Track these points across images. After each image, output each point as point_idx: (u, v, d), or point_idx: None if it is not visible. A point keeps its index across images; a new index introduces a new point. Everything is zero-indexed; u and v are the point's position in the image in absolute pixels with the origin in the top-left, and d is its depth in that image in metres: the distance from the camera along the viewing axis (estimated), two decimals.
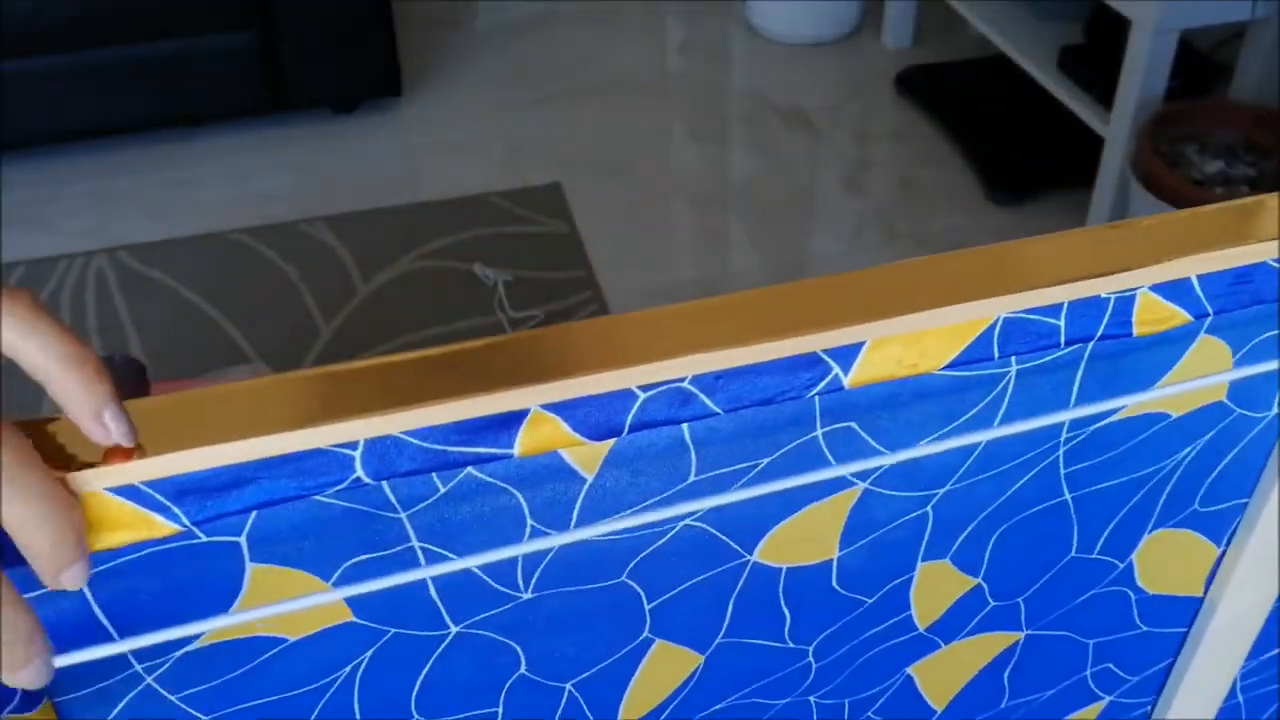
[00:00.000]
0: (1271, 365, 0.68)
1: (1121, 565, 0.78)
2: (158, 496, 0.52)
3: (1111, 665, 0.84)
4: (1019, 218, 2.59)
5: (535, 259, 2.51)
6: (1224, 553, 0.79)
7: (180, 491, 0.52)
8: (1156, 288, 0.62)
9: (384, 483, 0.55)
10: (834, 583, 0.70)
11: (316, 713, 0.65)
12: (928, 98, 2.93)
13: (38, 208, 2.69)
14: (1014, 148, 2.72)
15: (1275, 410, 0.72)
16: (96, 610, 0.56)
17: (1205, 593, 0.81)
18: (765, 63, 3.18)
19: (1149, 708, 0.89)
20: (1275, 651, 0.87)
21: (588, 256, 2.51)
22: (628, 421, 0.57)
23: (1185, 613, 0.82)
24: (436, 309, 2.39)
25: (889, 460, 0.62)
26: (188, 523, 0.53)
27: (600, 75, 3.14)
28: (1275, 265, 0.64)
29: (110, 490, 0.52)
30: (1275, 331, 0.68)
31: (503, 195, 2.69)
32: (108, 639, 0.57)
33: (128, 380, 1.93)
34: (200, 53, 2.71)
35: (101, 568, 0.54)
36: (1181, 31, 2.22)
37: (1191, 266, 0.62)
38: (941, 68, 3.05)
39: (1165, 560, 0.79)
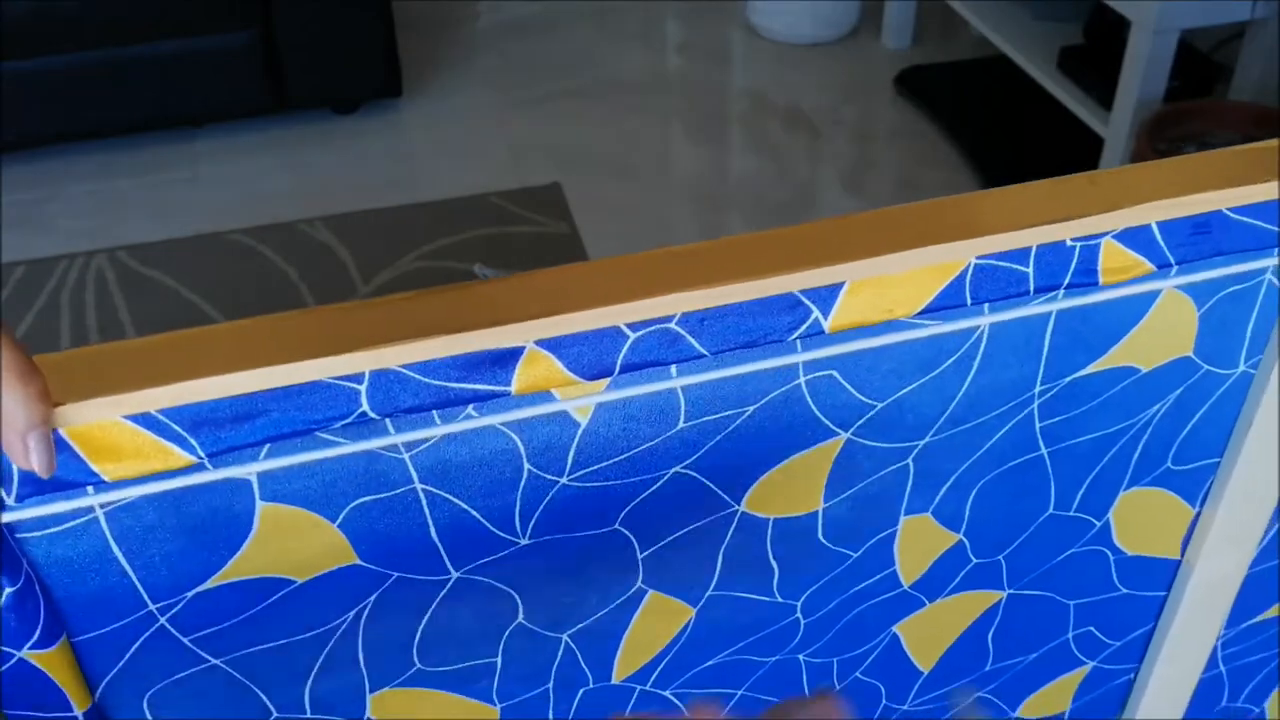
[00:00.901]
0: None
1: (1099, 524, 0.78)
2: (173, 426, 0.54)
3: (1093, 629, 0.85)
4: None
5: (535, 259, 2.51)
6: (1199, 514, 0.80)
7: (194, 422, 0.55)
8: (1119, 236, 0.64)
9: (387, 420, 0.57)
10: (820, 535, 0.72)
11: (320, 661, 0.66)
12: (927, 98, 2.94)
13: (38, 208, 2.70)
14: (1013, 148, 2.73)
15: (1243, 368, 0.73)
16: (114, 547, 0.58)
17: (1183, 555, 0.82)
18: (765, 63, 3.19)
19: (1131, 675, 0.89)
20: (1256, 619, 0.88)
21: (587, 256, 2.51)
22: (619, 361, 0.59)
23: (1164, 575, 0.83)
24: None
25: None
26: (201, 454, 0.55)
27: (600, 75, 3.15)
28: (1231, 214, 0.65)
29: (127, 418, 0.54)
30: (1238, 286, 0.69)
31: (503, 195, 2.69)
32: (124, 577, 0.59)
33: None
34: (201, 53, 2.72)
35: (118, 503, 0.56)
36: (1181, 32, 2.23)
37: (1150, 214, 0.64)
38: (941, 68, 3.06)
39: (1142, 520, 0.79)
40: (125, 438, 0.54)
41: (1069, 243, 0.63)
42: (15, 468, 0.53)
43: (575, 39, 3.30)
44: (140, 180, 2.77)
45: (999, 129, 2.80)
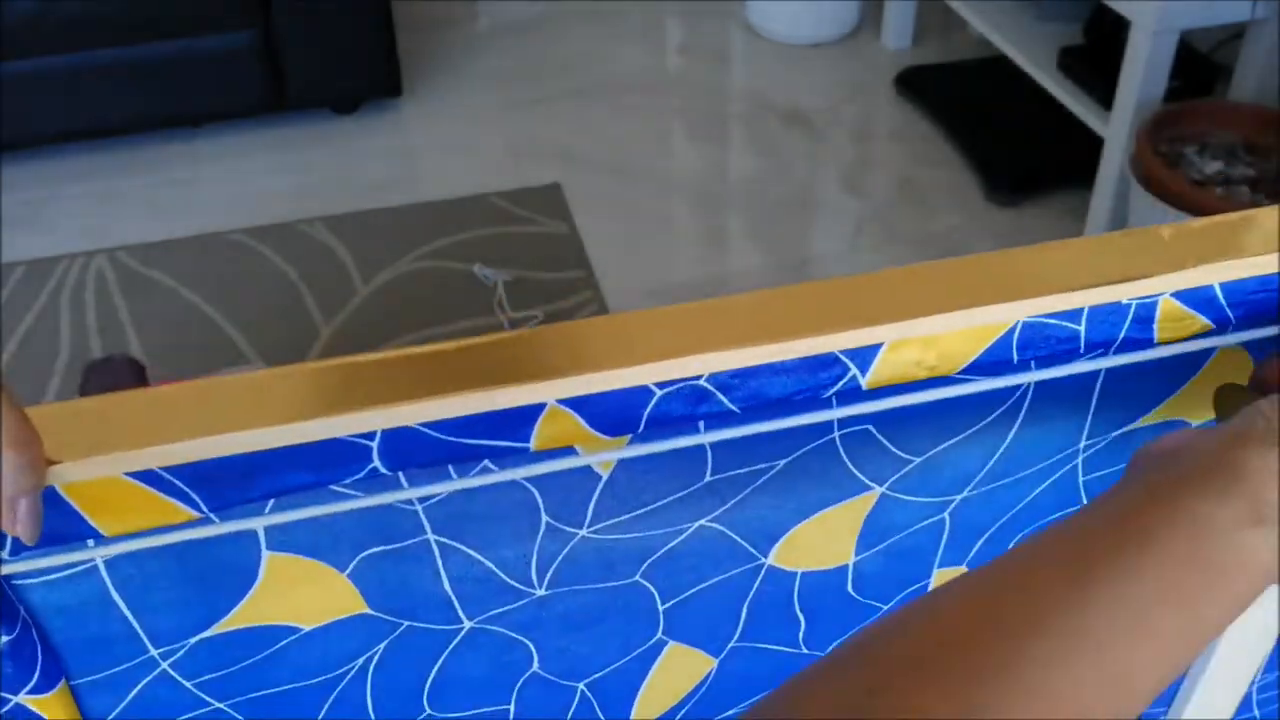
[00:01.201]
0: None
1: None
2: (177, 483, 0.53)
3: None
4: (1018, 218, 2.59)
5: (535, 259, 2.50)
6: None
7: (198, 478, 0.53)
8: (1178, 294, 0.62)
9: (400, 474, 0.56)
10: (849, 588, 0.70)
11: (329, 704, 0.65)
12: (927, 98, 2.93)
13: (38, 208, 2.69)
14: (1013, 148, 2.72)
15: None
16: (114, 595, 0.56)
17: None
18: (765, 63, 3.19)
19: (1161, 716, 0.88)
20: None
21: (587, 256, 2.50)
22: (644, 417, 0.57)
23: None
24: (436, 309, 2.39)
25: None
26: (205, 510, 0.54)
27: (600, 75, 3.14)
28: None
29: (130, 475, 0.52)
30: None
31: (502, 195, 2.69)
32: (125, 623, 0.57)
33: (127, 380, 1.93)
34: (201, 53, 2.71)
35: (120, 552, 0.55)
36: (1181, 32, 2.22)
37: (1214, 274, 0.61)
38: (941, 68, 3.05)
39: None
40: (126, 494, 0.52)
41: (1125, 301, 0.61)
42: None
43: (575, 39, 3.29)
44: (140, 180, 2.77)
45: (999, 129, 2.79)
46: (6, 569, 0.53)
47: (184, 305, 2.41)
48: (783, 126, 2.91)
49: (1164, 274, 0.60)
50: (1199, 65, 2.50)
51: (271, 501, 0.55)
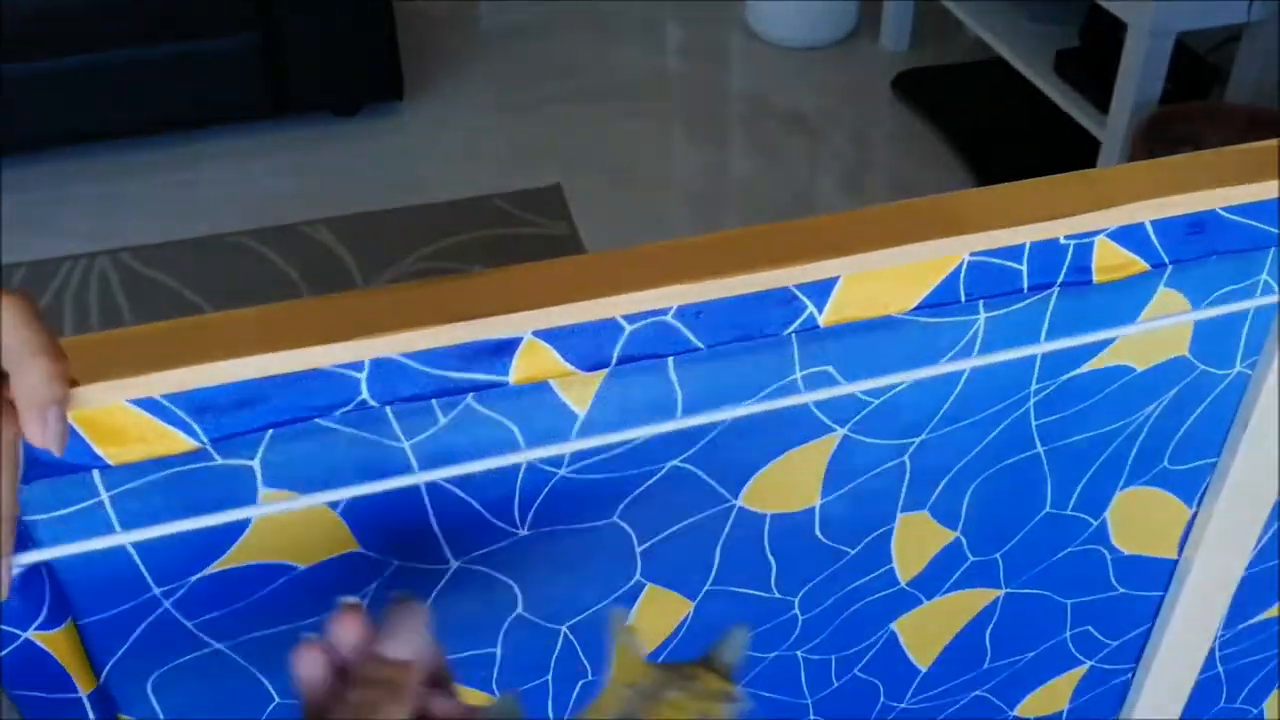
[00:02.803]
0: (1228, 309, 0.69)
1: (1095, 523, 0.79)
2: (176, 410, 0.55)
3: (1091, 628, 0.85)
4: None
5: (535, 260, 2.51)
6: (1196, 514, 0.80)
7: (197, 407, 0.55)
8: (1113, 234, 0.64)
9: (387, 408, 0.58)
10: (817, 531, 0.72)
11: None
12: (925, 101, 2.95)
13: (41, 210, 2.70)
14: (1010, 150, 2.74)
15: (1239, 368, 0.73)
16: (118, 529, 0.58)
17: (1179, 555, 0.82)
18: (764, 66, 3.20)
19: (1129, 675, 0.90)
20: (1254, 620, 0.88)
21: None
22: (615, 353, 0.59)
23: (1161, 575, 0.84)
24: None
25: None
26: (204, 439, 0.56)
27: (601, 78, 3.16)
28: (1225, 214, 0.65)
29: (131, 402, 0.54)
30: (1234, 286, 0.69)
31: (503, 197, 2.70)
32: (127, 558, 0.59)
33: None
34: (203, 56, 2.73)
35: (123, 487, 0.57)
36: (1177, 34, 2.23)
37: (1144, 212, 0.64)
38: (938, 71, 3.07)
39: (1138, 519, 0.80)
40: (129, 421, 0.54)
41: (1063, 240, 0.63)
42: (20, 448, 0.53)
43: (576, 42, 3.31)
44: (143, 182, 2.78)
45: (996, 131, 2.81)
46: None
47: (186, 306, 2.42)
48: (782, 129, 2.92)
49: (1098, 210, 0.63)
50: (1195, 67, 2.51)
51: (268, 434, 0.57)
